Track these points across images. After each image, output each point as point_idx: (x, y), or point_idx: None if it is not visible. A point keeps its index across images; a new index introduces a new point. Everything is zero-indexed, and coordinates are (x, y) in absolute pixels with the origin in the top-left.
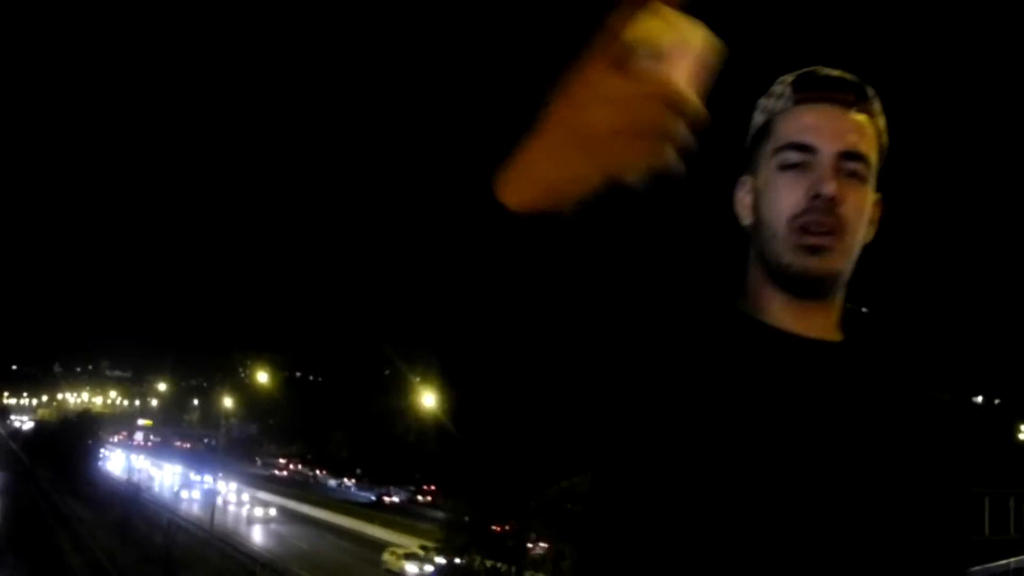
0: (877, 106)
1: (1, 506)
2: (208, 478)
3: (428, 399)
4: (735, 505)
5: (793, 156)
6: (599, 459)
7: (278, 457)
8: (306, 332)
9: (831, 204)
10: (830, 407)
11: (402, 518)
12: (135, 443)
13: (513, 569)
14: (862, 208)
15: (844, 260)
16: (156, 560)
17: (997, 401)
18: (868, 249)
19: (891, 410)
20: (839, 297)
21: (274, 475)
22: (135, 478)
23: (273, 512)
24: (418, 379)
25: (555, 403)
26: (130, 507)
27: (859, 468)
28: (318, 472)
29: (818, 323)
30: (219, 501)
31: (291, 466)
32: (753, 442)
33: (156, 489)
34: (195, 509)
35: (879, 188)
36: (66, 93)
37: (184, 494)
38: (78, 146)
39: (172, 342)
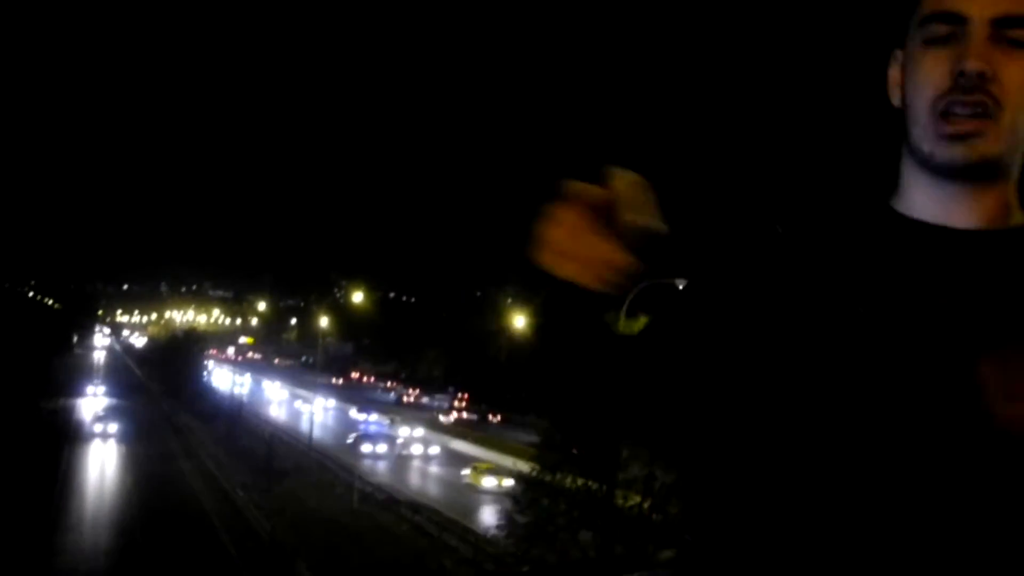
0: None
1: (121, 415)
2: (376, 417)
3: (519, 321)
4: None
5: (939, 28)
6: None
7: (372, 375)
8: (400, 254)
9: (980, 81)
10: (978, 314)
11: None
12: (231, 358)
13: (604, 488)
14: None
15: (1001, 145)
16: (259, 469)
17: None
18: None
19: None
20: (1012, 179)
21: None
22: (239, 393)
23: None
24: (509, 300)
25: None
26: (235, 420)
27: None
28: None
29: (981, 212)
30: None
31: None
32: (887, 362)
33: (258, 404)
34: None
35: None
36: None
37: (367, 448)
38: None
39: (271, 263)
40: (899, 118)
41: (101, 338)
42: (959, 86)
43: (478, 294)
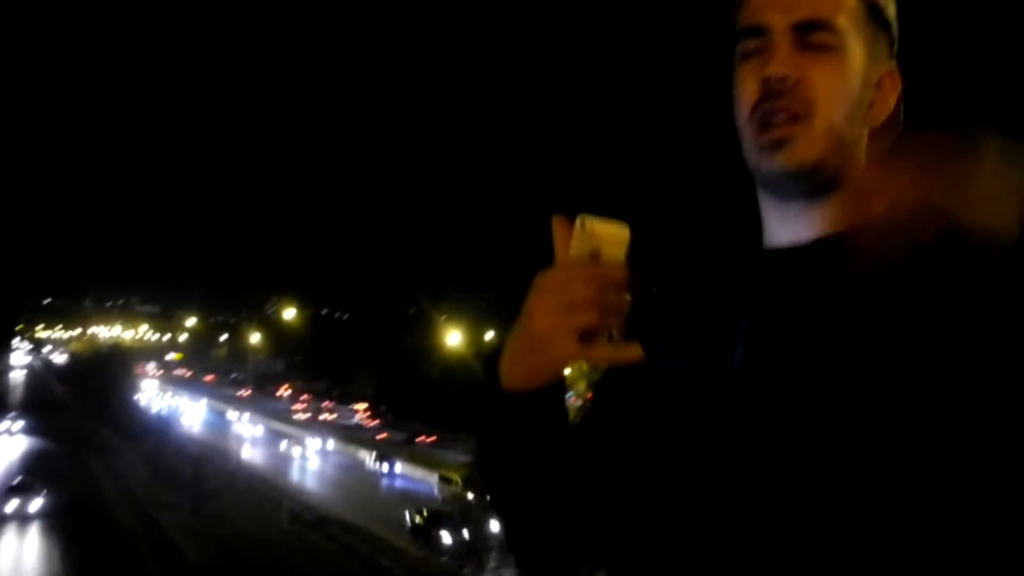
0: None
1: (39, 435)
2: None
3: (452, 338)
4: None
5: (749, 43)
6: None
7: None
8: (332, 270)
9: (783, 86)
10: (822, 322)
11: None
12: (158, 374)
13: None
14: (836, 82)
15: (819, 148)
16: (185, 489)
17: None
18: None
19: (903, 303)
20: (847, 193)
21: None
22: (165, 412)
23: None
24: (443, 318)
25: None
26: (161, 439)
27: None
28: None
29: (822, 225)
30: None
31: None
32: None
33: (185, 423)
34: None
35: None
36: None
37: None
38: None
39: (200, 278)
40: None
41: (21, 356)
42: (767, 94)
43: (412, 311)
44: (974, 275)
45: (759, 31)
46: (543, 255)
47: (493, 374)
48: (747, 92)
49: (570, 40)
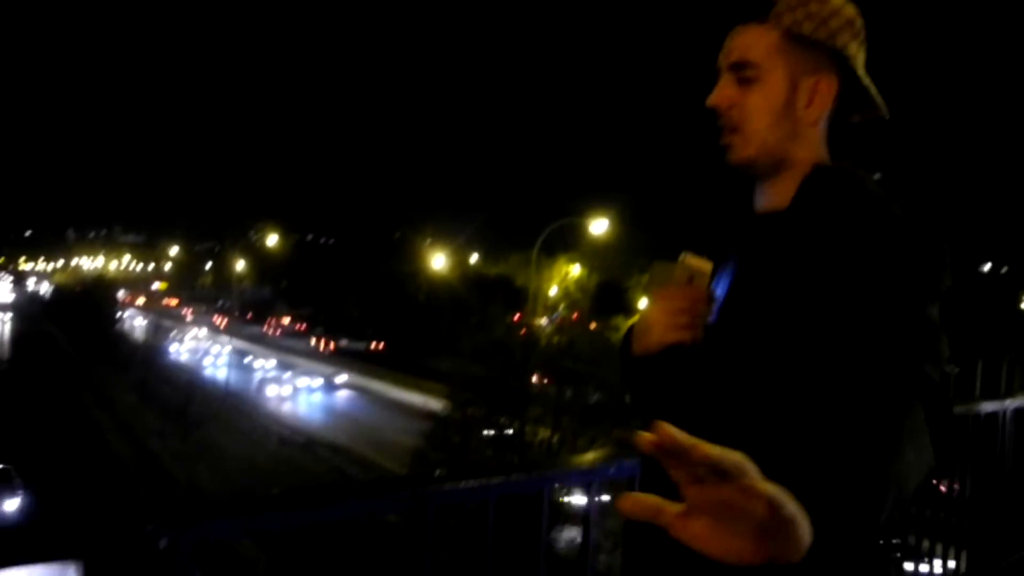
0: (782, 7)
1: (26, 368)
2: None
3: (438, 261)
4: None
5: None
6: None
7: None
8: (316, 196)
9: (719, 110)
10: (752, 273)
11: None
12: (143, 304)
13: (516, 424)
14: (760, 104)
15: (751, 148)
16: (175, 416)
17: (1004, 269)
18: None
19: (810, 256)
20: (792, 172)
21: None
22: (153, 341)
23: None
24: (428, 242)
25: None
26: (149, 368)
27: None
28: None
29: (771, 199)
30: None
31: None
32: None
33: (175, 352)
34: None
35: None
36: None
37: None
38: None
39: (183, 206)
40: None
41: (5, 290)
42: (716, 115)
43: (397, 235)
44: (830, 235)
45: (717, 70)
46: (527, 185)
47: (628, 343)
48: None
49: None
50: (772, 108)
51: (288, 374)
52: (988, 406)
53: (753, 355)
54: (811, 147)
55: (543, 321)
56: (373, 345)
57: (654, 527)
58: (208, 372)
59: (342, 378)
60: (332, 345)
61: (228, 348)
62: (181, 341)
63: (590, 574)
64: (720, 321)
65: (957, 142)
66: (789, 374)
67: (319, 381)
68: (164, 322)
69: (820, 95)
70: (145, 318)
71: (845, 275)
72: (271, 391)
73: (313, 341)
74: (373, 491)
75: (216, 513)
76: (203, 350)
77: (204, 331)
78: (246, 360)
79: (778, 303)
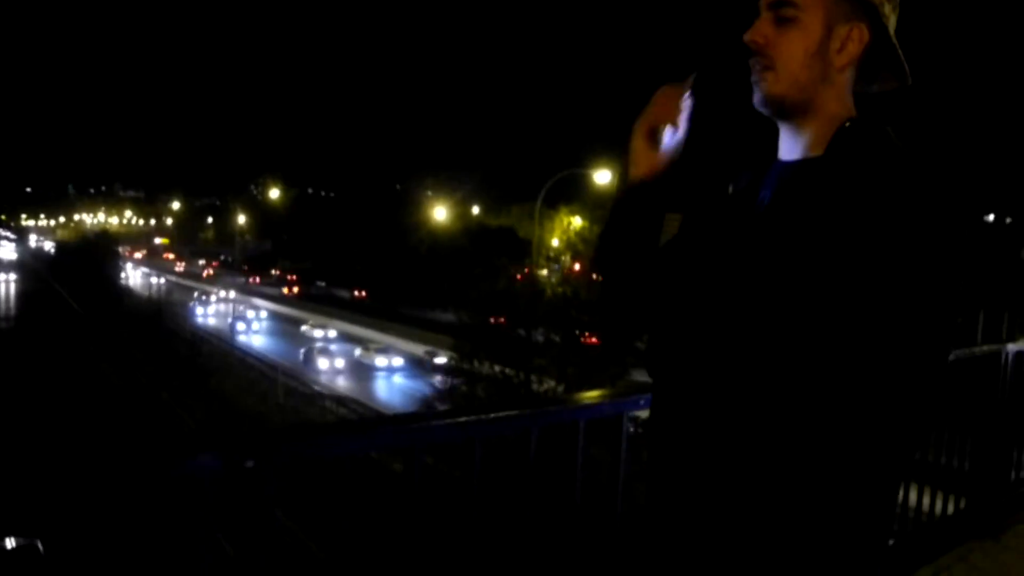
0: None
1: (33, 325)
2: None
3: (439, 213)
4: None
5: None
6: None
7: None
8: (316, 149)
9: (755, 46)
10: (784, 221)
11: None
12: (144, 259)
13: (520, 375)
14: (796, 44)
15: (782, 86)
16: (183, 370)
17: (1008, 220)
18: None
19: (831, 207)
20: (819, 118)
21: None
22: (156, 295)
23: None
24: (428, 194)
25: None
26: (155, 322)
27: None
28: None
29: (801, 146)
30: None
31: None
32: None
33: (178, 304)
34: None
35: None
36: None
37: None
38: None
39: (184, 160)
40: None
41: (9, 249)
42: (751, 51)
43: (398, 188)
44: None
45: (757, 9)
46: (529, 137)
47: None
48: (746, 43)
49: None
50: (806, 48)
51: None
52: (988, 348)
53: (778, 294)
54: (838, 94)
55: (545, 272)
56: (356, 293)
57: (676, 460)
58: (242, 339)
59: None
60: (296, 289)
61: (263, 313)
62: (206, 303)
63: (621, 501)
64: (748, 258)
65: (960, 93)
66: (811, 322)
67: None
68: (183, 281)
69: (852, 42)
70: (158, 277)
71: (883, 234)
72: (322, 363)
73: (285, 290)
74: (423, 420)
75: (292, 438)
76: (233, 314)
77: (231, 293)
78: (304, 328)
79: (812, 254)
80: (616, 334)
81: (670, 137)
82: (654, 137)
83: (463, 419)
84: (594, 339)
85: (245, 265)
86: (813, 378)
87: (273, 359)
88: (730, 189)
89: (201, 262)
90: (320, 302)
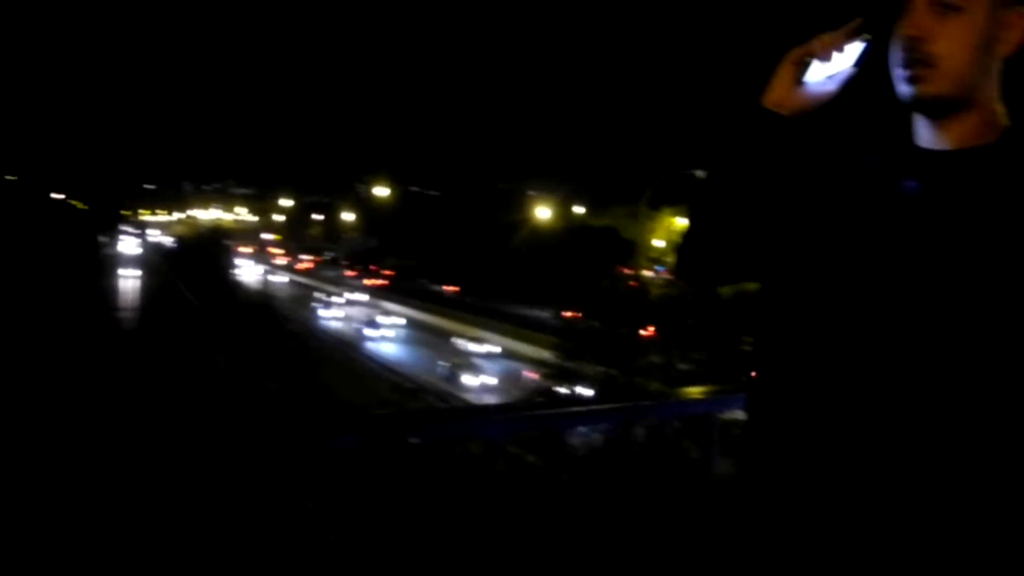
0: None
1: (155, 314)
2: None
3: (542, 212)
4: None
5: (904, 3)
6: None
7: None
8: (421, 149)
9: (912, 43)
10: (950, 212)
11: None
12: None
13: (623, 375)
14: (962, 37)
15: (944, 85)
16: (290, 362)
17: None
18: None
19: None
20: (976, 111)
21: None
22: (267, 288)
23: None
24: (532, 194)
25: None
26: (265, 314)
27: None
28: None
29: (954, 136)
30: None
31: None
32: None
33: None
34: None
35: None
36: None
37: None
38: None
39: (295, 158)
40: None
41: (129, 241)
42: (905, 46)
43: (500, 186)
44: None
45: None
46: (634, 136)
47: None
48: (898, 37)
49: None
50: (974, 42)
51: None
52: None
53: (972, 291)
54: (994, 83)
55: (649, 273)
56: (448, 288)
57: (772, 444)
58: (377, 348)
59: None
60: (383, 282)
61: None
62: (329, 306)
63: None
64: (921, 253)
65: None
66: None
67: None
68: (308, 280)
69: (1016, 30)
70: (276, 273)
71: None
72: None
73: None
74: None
75: (453, 418)
76: (364, 319)
77: (359, 295)
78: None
79: (1005, 248)
80: (699, 277)
81: (817, 78)
82: (801, 70)
83: (618, 405)
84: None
85: (344, 260)
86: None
87: (406, 371)
88: (850, 168)
89: (305, 257)
90: (412, 295)
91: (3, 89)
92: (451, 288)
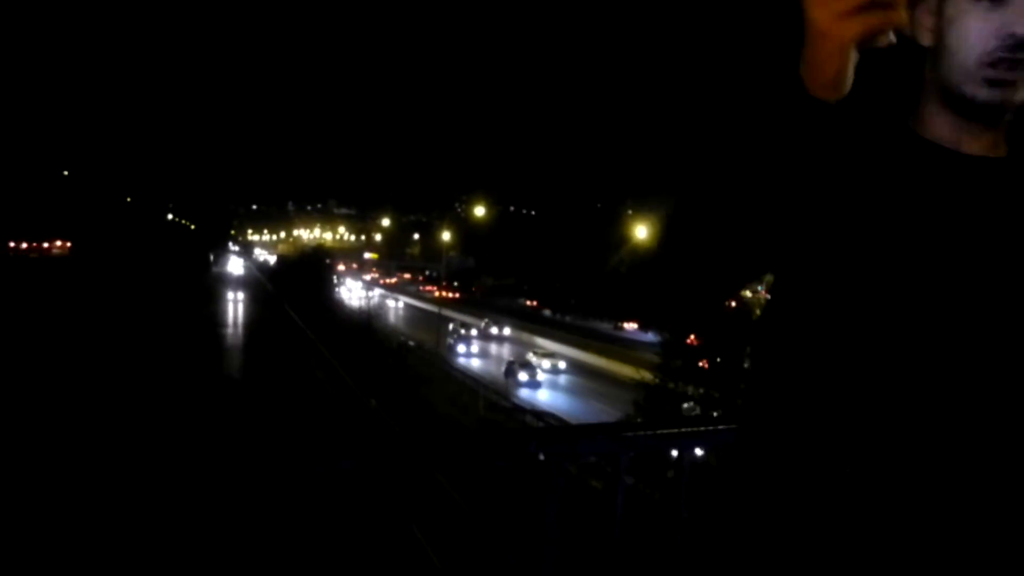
0: None
1: (260, 331)
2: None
3: (641, 231)
4: (886, 313)
5: None
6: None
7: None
8: (520, 168)
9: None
10: (984, 221)
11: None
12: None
13: (724, 398)
14: None
15: None
16: (389, 380)
17: None
18: None
19: None
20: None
21: None
22: (368, 306)
23: None
24: (629, 213)
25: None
26: (364, 333)
27: (993, 284)
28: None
29: (983, 143)
30: None
31: None
32: (905, 257)
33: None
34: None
35: None
36: None
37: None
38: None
39: (394, 179)
40: (921, 54)
41: (235, 260)
42: (1006, 46)
43: (598, 206)
44: None
45: None
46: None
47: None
48: (984, 36)
49: None
50: None
51: None
52: None
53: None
54: None
55: (748, 294)
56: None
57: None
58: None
59: None
60: (455, 295)
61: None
62: (468, 339)
63: None
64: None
65: None
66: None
67: None
68: (421, 304)
69: None
70: (391, 298)
71: None
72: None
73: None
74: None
75: (576, 436)
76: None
77: (504, 329)
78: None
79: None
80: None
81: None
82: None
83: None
84: None
85: (422, 275)
86: None
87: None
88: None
89: (406, 275)
90: (490, 309)
91: (118, 111)
92: (550, 308)
